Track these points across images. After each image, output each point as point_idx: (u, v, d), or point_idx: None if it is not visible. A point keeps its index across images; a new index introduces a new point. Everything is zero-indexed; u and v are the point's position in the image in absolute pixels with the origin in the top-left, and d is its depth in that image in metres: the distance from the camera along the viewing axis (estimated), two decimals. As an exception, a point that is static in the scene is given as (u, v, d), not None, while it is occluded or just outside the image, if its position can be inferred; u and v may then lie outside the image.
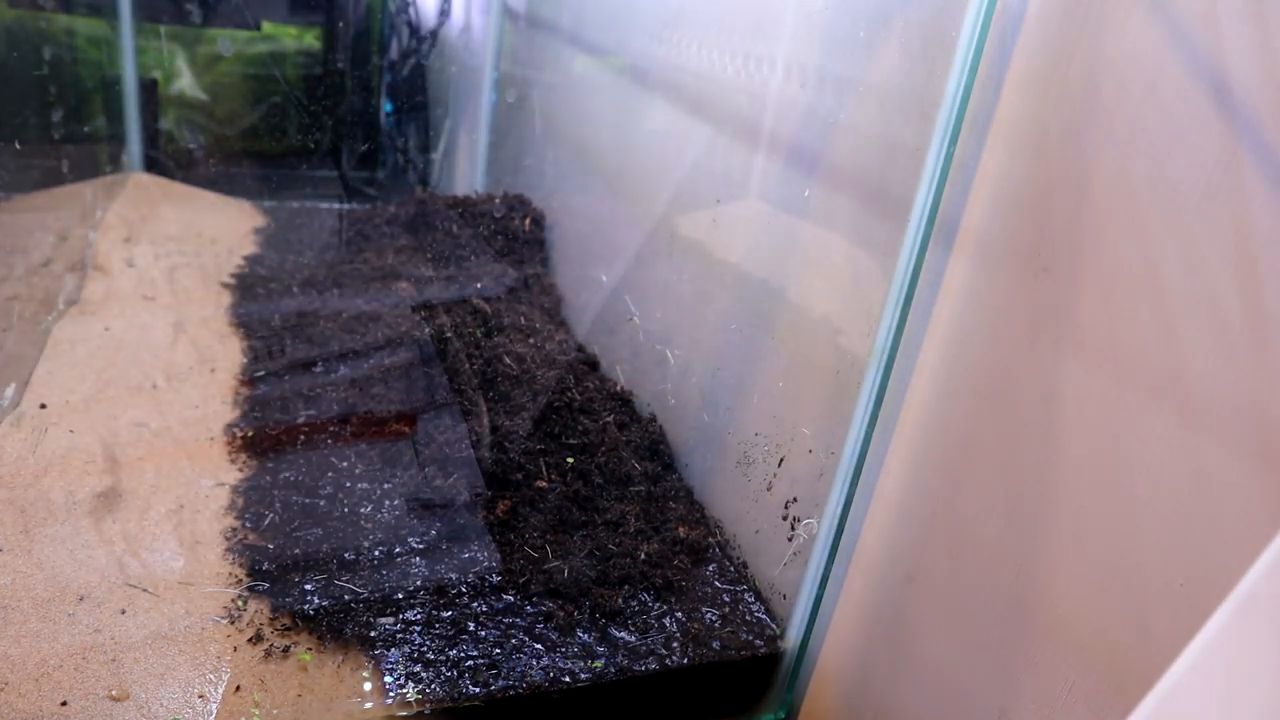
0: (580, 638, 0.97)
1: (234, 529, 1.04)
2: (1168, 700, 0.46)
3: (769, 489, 1.08)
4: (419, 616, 0.96)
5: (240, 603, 0.94)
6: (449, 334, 1.39)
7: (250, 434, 1.20)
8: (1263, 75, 0.58)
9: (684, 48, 1.29)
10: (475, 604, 0.99)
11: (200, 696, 0.84)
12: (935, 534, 0.86)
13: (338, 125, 1.93)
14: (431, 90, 2.11)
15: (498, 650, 0.94)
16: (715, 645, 0.99)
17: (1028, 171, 0.76)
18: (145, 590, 0.94)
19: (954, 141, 0.81)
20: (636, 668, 0.95)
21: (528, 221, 1.80)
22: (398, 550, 1.05)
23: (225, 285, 1.61)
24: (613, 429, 1.23)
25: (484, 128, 2.07)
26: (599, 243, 1.62)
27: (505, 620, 0.98)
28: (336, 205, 1.93)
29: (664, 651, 0.97)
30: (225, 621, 0.92)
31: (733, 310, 1.19)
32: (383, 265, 1.66)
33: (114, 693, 0.83)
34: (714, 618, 1.03)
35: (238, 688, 0.85)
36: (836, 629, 1.00)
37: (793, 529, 1.03)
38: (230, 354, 1.39)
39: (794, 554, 1.03)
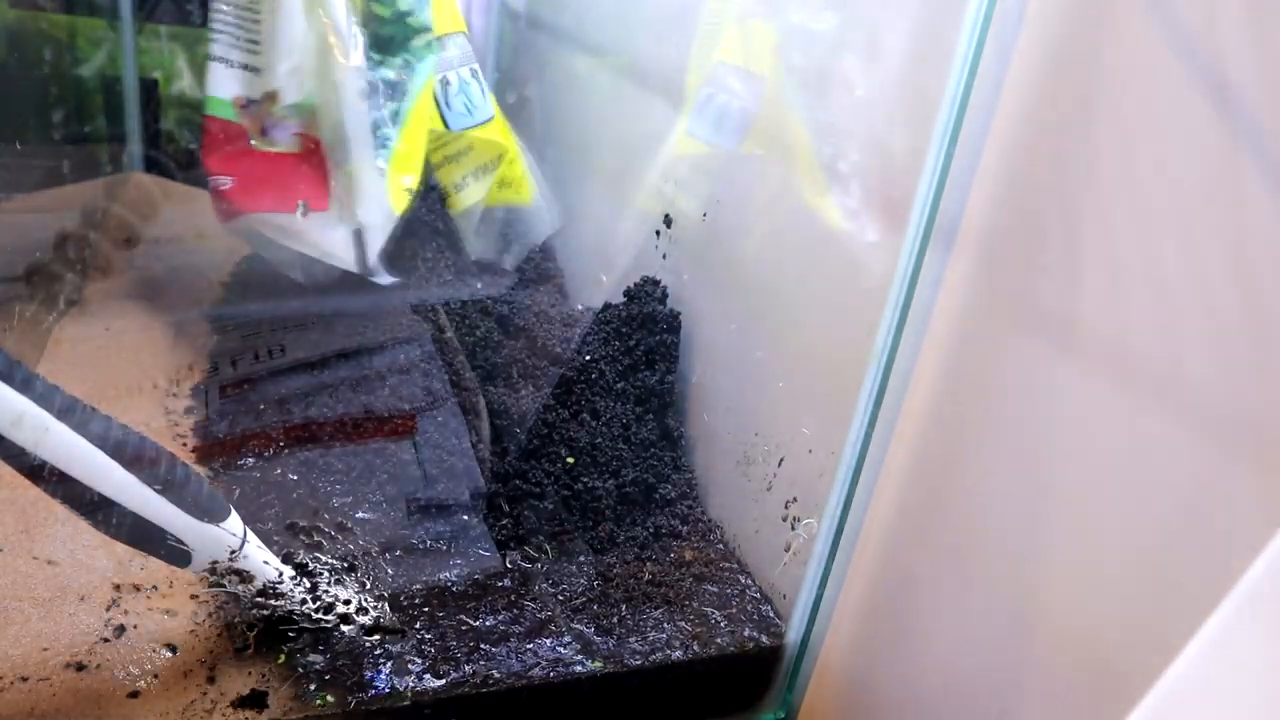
0: (578, 636, 0.97)
1: (234, 529, 1.04)
2: (1168, 700, 0.46)
3: (769, 489, 1.08)
4: (416, 613, 0.97)
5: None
6: (448, 334, 1.38)
7: (252, 433, 1.20)
8: (1263, 75, 0.58)
9: (684, 48, 1.29)
10: (473, 603, 0.99)
11: (201, 705, 0.84)
12: (935, 534, 0.86)
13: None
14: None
15: (496, 646, 0.94)
16: (714, 645, 0.99)
17: (1028, 171, 0.76)
18: (146, 591, 0.94)
19: (954, 141, 0.81)
20: (635, 667, 0.95)
21: (528, 221, 1.79)
22: (397, 551, 1.05)
23: (225, 285, 1.60)
24: (612, 428, 1.22)
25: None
26: (599, 242, 1.62)
27: (504, 616, 0.98)
28: (336, 205, 1.92)
29: (664, 651, 0.97)
30: (229, 620, 0.92)
31: (732, 310, 1.19)
32: (382, 264, 1.65)
33: (118, 693, 0.83)
34: (713, 618, 1.03)
35: (243, 686, 0.86)
36: (836, 629, 1.00)
37: (793, 529, 1.03)
38: (231, 354, 1.39)
39: (794, 554, 1.03)
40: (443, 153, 1.45)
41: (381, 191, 1.30)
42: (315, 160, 1.30)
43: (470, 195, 1.47)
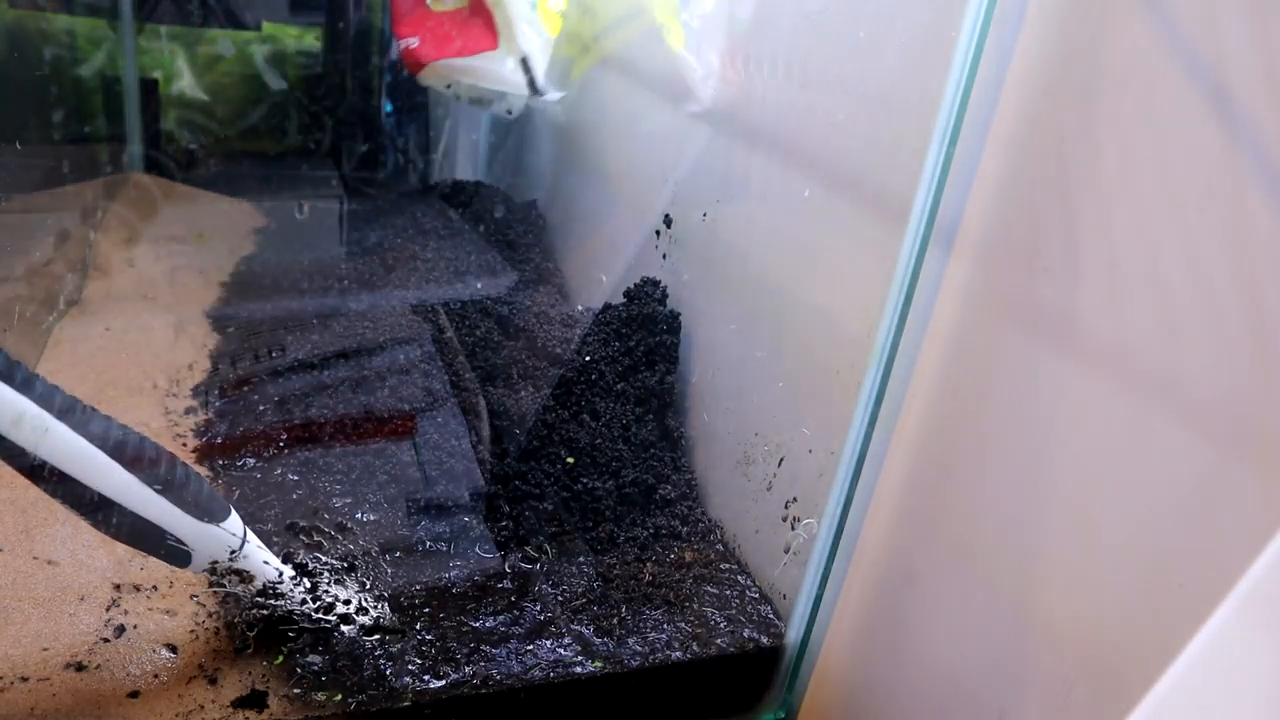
0: (578, 636, 0.97)
1: (234, 529, 1.04)
2: (1168, 700, 0.46)
3: (769, 489, 1.08)
4: (416, 613, 0.97)
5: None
6: (448, 334, 1.39)
7: (252, 433, 1.20)
8: (1263, 75, 0.58)
9: (683, 48, 1.29)
10: (473, 603, 0.99)
11: (201, 706, 0.84)
12: (935, 534, 0.86)
13: (338, 125, 1.93)
14: (432, 90, 2.10)
15: (496, 647, 0.94)
16: (714, 646, 0.99)
17: (1028, 171, 0.76)
18: (146, 591, 0.94)
19: (954, 141, 0.81)
20: (635, 667, 0.95)
21: (527, 222, 1.80)
22: (397, 552, 1.05)
23: (225, 285, 1.61)
24: (612, 429, 1.22)
25: (484, 128, 2.07)
26: (599, 243, 1.62)
27: (504, 617, 0.98)
28: (337, 205, 1.93)
29: (664, 651, 0.97)
30: (229, 620, 0.92)
31: (732, 310, 1.19)
32: (383, 265, 1.66)
33: (118, 693, 0.83)
34: (713, 618, 1.03)
35: (243, 686, 0.86)
36: (836, 629, 1.00)
37: (793, 529, 1.03)
38: (231, 354, 1.39)
39: (793, 554, 1.03)
40: None
41: (536, 21, 1.58)
42: (482, 10, 1.61)
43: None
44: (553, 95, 1.60)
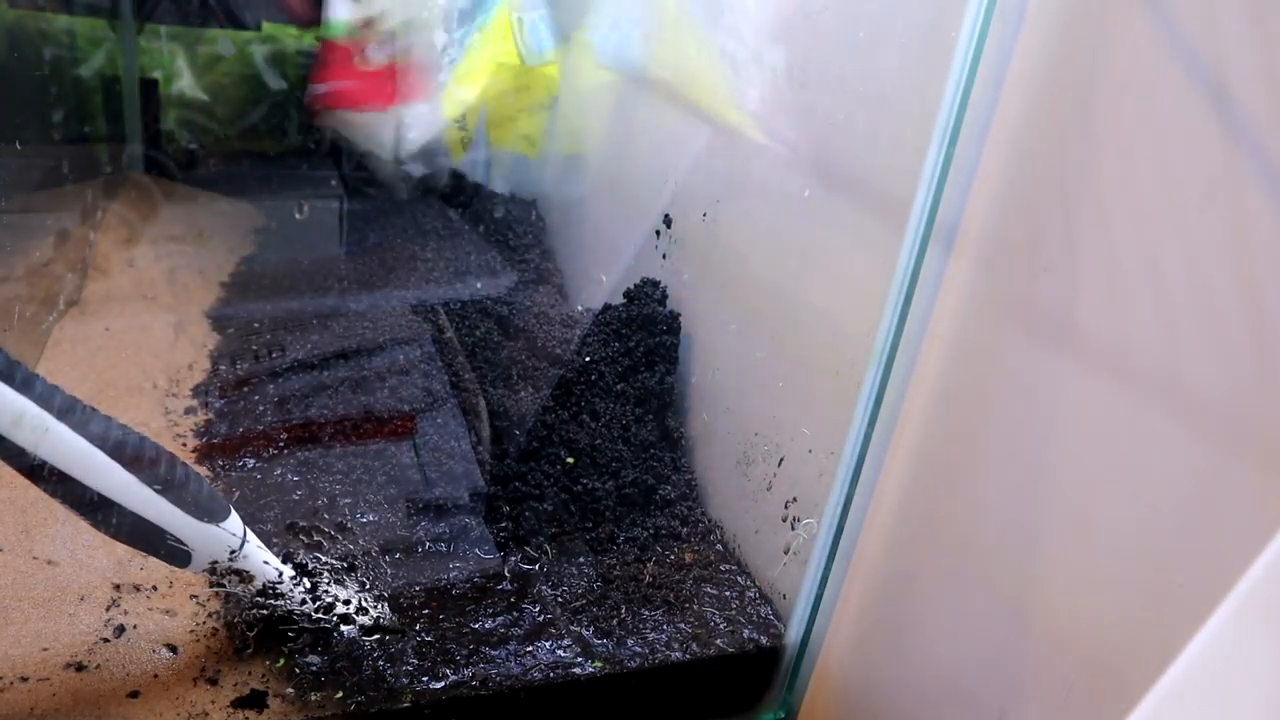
0: (578, 637, 0.97)
1: (234, 529, 1.04)
2: (1168, 700, 0.46)
3: (769, 489, 1.08)
4: (416, 614, 0.97)
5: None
6: (448, 334, 1.39)
7: (252, 433, 1.20)
8: (1263, 75, 0.58)
9: (683, 47, 1.29)
10: (473, 604, 0.99)
11: (201, 708, 0.84)
12: (935, 534, 0.86)
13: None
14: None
15: (496, 648, 0.94)
16: (714, 646, 0.99)
17: (1028, 171, 0.76)
18: (146, 591, 0.94)
19: (954, 141, 0.81)
20: (635, 668, 0.95)
21: (528, 223, 1.80)
22: (397, 553, 1.05)
23: (225, 285, 1.61)
24: (612, 429, 1.22)
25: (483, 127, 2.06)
26: (599, 243, 1.62)
27: (503, 618, 0.98)
28: (337, 205, 1.93)
29: (663, 652, 0.97)
30: (229, 620, 0.92)
31: (732, 311, 1.19)
32: (383, 265, 1.66)
33: (118, 693, 0.83)
34: (712, 619, 1.03)
35: (243, 686, 0.86)
36: (836, 629, 1.00)
37: (792, 529, 1.03)
38: (231, 354, 1.39)
39: (793, 554, 1.03)
40: (513, 84, 1.71)
41: (436, 98, 1.64)
42: (392, 73, 1.65)
43: (521, 126, 1.73)
44: (414, 169, 1.69)
